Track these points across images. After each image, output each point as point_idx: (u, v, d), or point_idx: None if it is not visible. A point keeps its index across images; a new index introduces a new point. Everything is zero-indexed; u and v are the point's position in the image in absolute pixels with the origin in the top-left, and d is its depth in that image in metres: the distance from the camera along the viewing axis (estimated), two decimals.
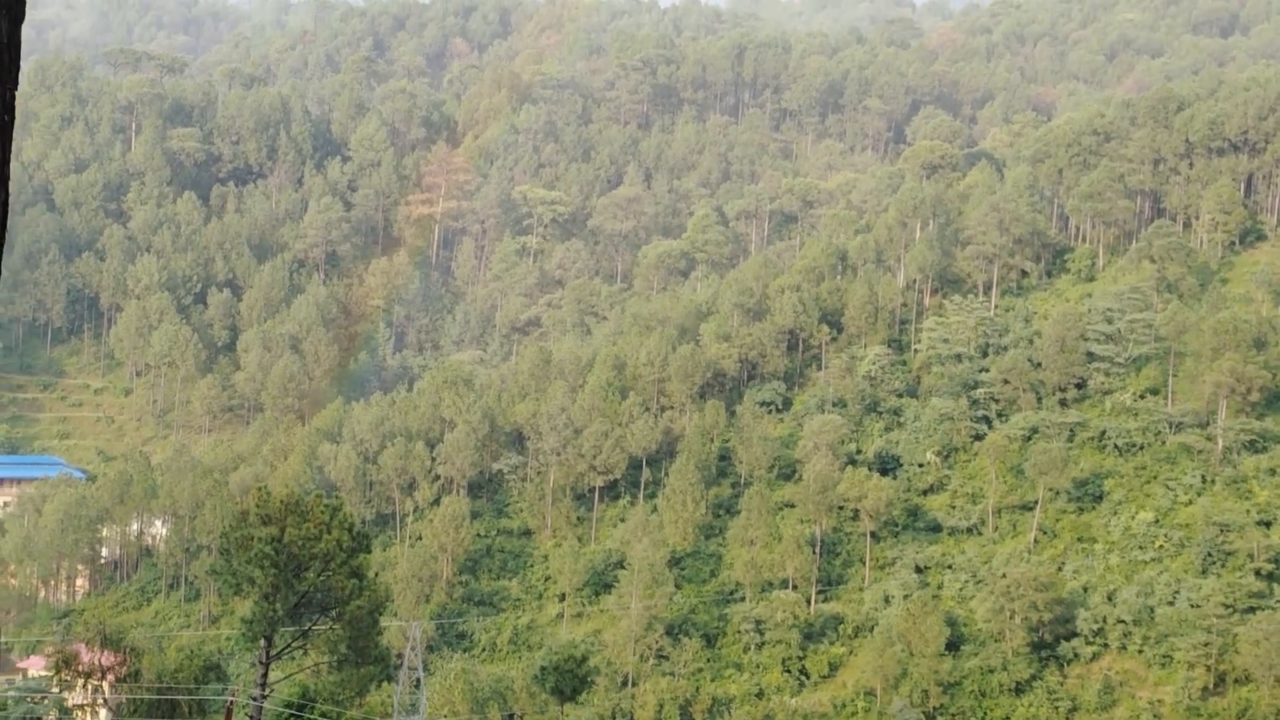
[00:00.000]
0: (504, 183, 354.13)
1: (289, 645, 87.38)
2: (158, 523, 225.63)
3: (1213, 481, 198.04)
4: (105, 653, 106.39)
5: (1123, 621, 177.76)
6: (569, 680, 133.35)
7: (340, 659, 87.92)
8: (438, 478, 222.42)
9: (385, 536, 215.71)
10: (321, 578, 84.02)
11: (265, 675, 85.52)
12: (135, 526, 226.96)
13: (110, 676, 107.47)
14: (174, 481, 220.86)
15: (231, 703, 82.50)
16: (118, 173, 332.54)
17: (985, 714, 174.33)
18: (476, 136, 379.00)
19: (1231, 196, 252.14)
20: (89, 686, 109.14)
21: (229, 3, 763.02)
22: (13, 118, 9.23)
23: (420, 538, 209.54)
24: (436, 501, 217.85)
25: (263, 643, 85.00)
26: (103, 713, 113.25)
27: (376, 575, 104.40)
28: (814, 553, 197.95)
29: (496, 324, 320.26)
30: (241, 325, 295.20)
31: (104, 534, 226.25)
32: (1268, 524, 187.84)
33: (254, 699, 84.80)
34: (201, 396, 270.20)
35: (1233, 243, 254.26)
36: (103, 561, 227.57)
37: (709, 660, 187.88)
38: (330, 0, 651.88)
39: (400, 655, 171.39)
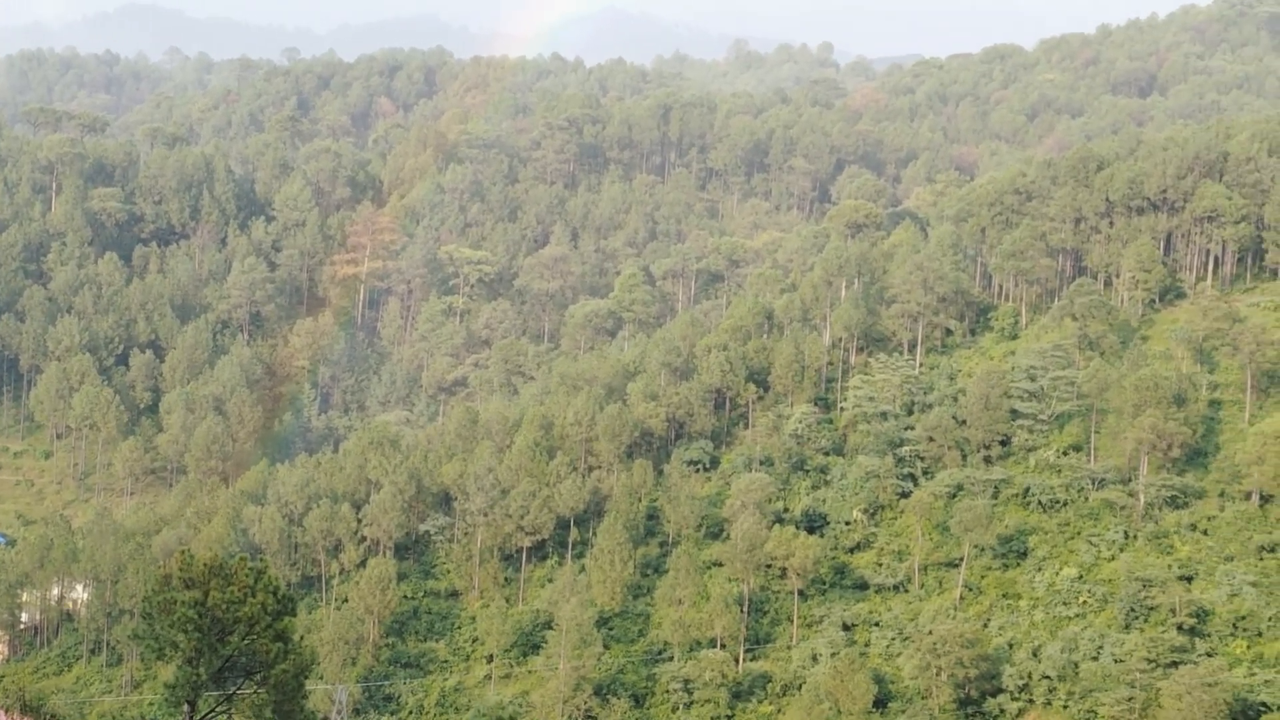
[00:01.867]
0: (430, 242, 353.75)
1: (213, 710, 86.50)
2: (79, 587, 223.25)
3: (1135, 537, 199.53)
4: (25, 719, 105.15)
5: (1047, 677, 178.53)
6: None
7: None
8: (364, 539, 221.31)
9: (311, 599, 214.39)
10: (246, 641, 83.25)
11: None
12: (56, 591, 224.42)
13: None
14: (95, 545, 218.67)
15: None
16: (38, 233, 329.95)
17: None
18: (402, 196, 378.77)
19: (1151, 255, 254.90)
20: None
21: (151, 62, 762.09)
22: None
23: (346, 600, 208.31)
24: (363, 563, 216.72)
25: (186, 708, 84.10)
26: None
27: (302, 638, 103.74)
28: (742, 611, 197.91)
29: (423, 384, 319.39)
30: (164, 387, 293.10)
31: (24, 599, 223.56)
32: (1189, 579, 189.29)
33: None
34: (123, 459, 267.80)
35: (1153, 300, 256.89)
36: (22, 626, 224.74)
37: None
38: (254, 60, 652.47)
39: (326, 719, 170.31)
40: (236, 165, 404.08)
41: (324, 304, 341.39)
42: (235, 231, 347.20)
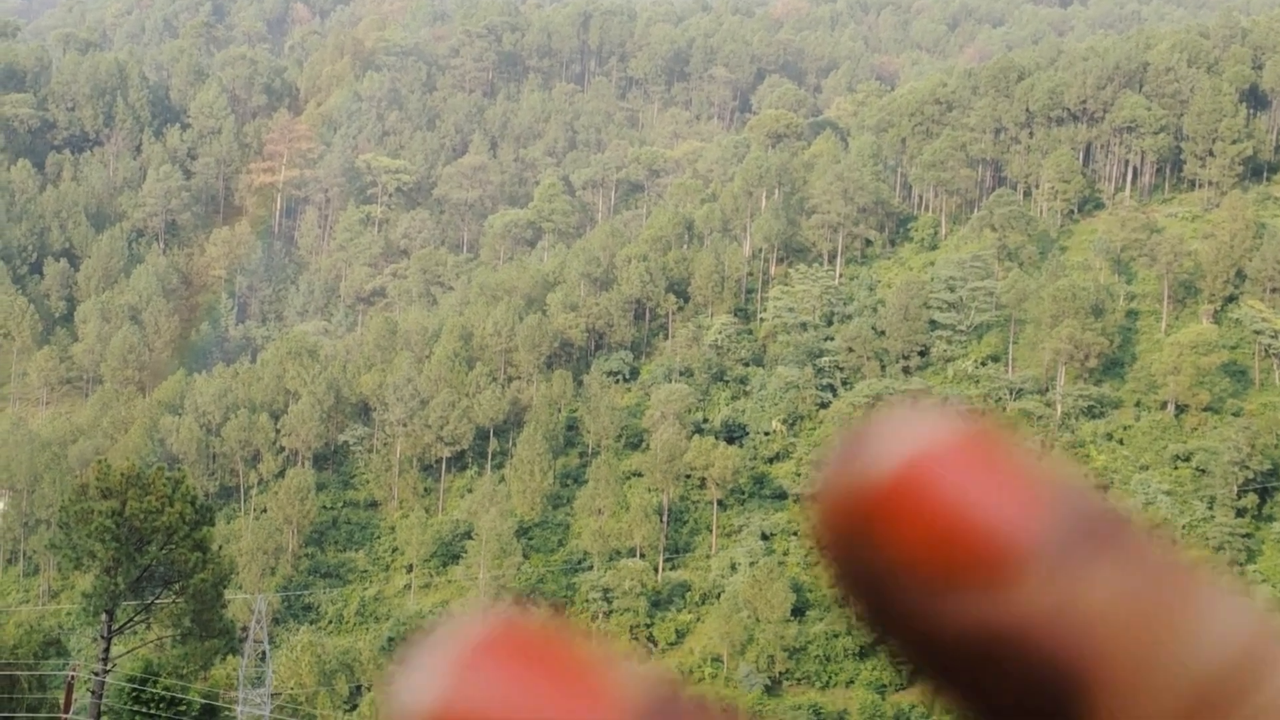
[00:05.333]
0: (347, 151, 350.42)
1: (131, 620, 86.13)
2: None
3: (1052, 446, 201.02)
4: None
5: None
6: None
7: (184, 633, 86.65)
8: (282, 450, 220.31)
9: (229, 509, 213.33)
10: (164, 551, 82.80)
11: (107, 650, 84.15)
12: None
13: None
14: (11, 455, 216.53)
15: (72, 678, 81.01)
16: None
17: (830, 678, 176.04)
18: (319, 104, 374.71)
19: (1071, 165, 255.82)
20: None
21: None
22: None
23: (265, 510, 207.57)
24: (281, 474, 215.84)
25: (104, 617, 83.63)
26: None
27: (220, 548, 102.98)
28: (661, 521, 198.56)
29: (341, 294, 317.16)
30: (79, 296, 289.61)
31: None
32: (1105, 488, 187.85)
33: (95, 674, 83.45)
34: (38, 368, 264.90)
35: (1072, 211, 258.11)
36: None
37: None
38: None
39: (245, 628, 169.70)
40: (151, 72, 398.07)
41: (241, 213, 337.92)
42: (150, 139, 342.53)
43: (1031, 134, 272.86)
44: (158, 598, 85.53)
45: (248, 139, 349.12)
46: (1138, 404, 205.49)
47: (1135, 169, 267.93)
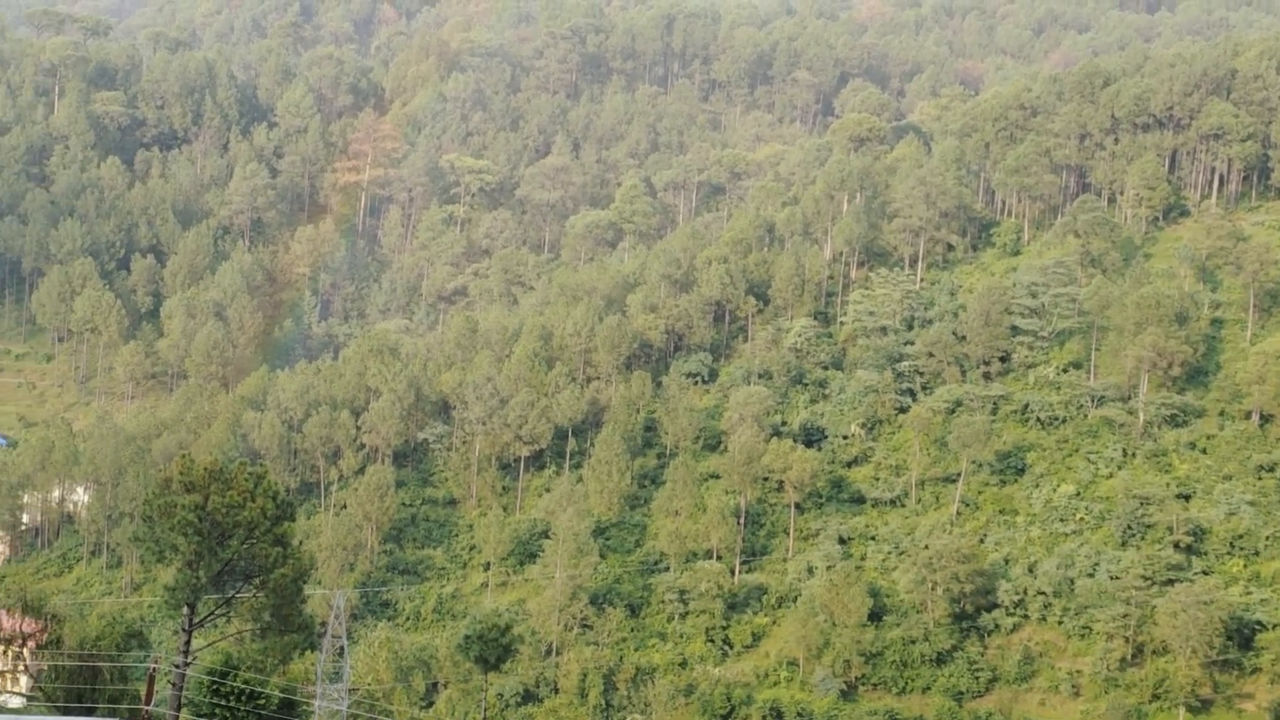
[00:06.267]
0: (431, 151, 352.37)
1: (212, 613, 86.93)
2: (79, 489, 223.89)
3: (1133, 455, 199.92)
4: (26, 619, 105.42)
5: (1043, 593, 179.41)
6: (493, 649, 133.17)
7: (264, 627, 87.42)
8: (363, 446, 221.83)
9: (310, 505, 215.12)
10: (245, 546, 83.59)
11: (188, 643, 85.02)
12: (57, 493, 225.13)
13: (31, 643, 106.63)
14: (96, 448, 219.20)
15: (154, 670, 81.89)
16: (40, 136, 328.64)
17: (907, 684, 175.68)
18: (404, 104, 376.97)
19: (1156, 172, 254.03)
20: (9, 653, 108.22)
21: None
22: None
23: (345, 506, 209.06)
24: (361, 470, 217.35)
25: (185, 610, 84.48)
26: (23, 680, 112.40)
27: (301, 543, 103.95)
28: (738, 523, 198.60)
29: (423, 293, 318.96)
30: (165, 292, 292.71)
31: (25, 500, 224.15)
32: (1187, 497, 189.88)
33: (176, 666, 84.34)
34: (124, 363, 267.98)
35: (1156, 218, 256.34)
36: (24, 528, 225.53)
37: (633, 630, 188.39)
38: None
39: (324, 624, 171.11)
40: (239, 71, 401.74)
41: (325, 211, 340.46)
42: (237, 137, 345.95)
43: (1117, 140, 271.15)
44: (238, 592, 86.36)
45: (333, 138, 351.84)
46: (1221, 413, 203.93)
47: (1222, 176, 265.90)
